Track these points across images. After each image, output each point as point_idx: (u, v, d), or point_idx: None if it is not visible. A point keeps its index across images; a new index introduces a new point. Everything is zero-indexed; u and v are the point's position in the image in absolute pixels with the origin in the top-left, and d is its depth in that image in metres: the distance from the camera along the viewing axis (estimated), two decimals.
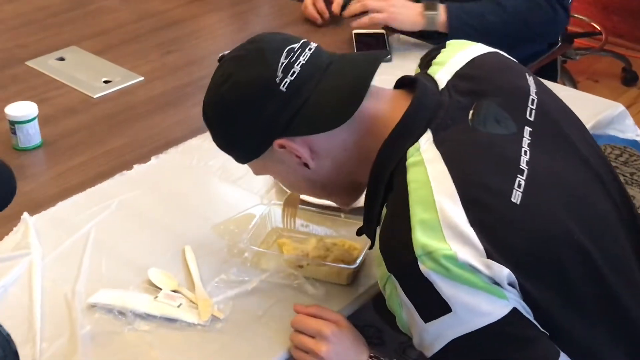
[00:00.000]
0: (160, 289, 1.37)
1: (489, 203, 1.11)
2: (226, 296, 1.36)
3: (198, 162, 1.73)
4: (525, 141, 1.20)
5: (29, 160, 1.76)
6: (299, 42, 1.25)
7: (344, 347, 1.29)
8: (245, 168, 1.67)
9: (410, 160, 1.17)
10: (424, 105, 1.21)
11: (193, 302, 1.34)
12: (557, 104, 1.33)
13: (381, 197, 1.21)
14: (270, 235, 1.51)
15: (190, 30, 2.34)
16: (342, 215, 1.53)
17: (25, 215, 1.54)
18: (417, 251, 1.07)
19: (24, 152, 1.77)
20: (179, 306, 1.33)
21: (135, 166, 1.70)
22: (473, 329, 1.09)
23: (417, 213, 1.10)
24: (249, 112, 1.22)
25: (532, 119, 1.24)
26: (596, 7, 4.12)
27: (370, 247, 1.30)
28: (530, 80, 1.31)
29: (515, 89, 1.28)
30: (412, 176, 1.15)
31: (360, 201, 1.33)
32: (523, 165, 1.16)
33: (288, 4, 2.49)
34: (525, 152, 1.18)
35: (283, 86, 1.20)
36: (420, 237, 1.08)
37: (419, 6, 2.09)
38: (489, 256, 1.07)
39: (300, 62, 1.21)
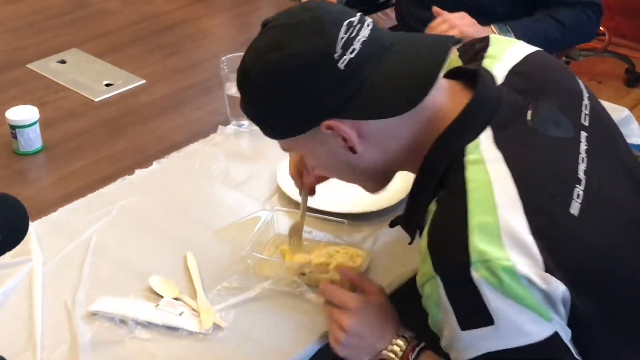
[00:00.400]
0: (162, 297, 1.35)
1: (550, 213, 1.07)
2: (228, 304, 1.35)
3: (200, 166, 1.71)
4: (583, 147, 1.16)
5: (30, 164, 1.75)
6: (356, 16, 1.15)
7: (367, 321, 1.26)
8: (248, 173, 1.69)
9: (470, 157, 1.11)
10: (486, 101, 1.15)
11: (195, 310, 1.33)
12: (604, 111, 1.29)
13: (431, 192, 1.14)
14: (273, 242, 1.49)
15: (191, 32, 2.33)
16: (346, 221, 1.51)
17: None
18: (473, 257, 1.02)
19: (24, 157, 1.76)
20: (180, 314, 1.31)
21: (137, 171, 1.69)
22: (510, 347, 1.04)
23: (476, 215, 1.05)
24: (300, 88, 1.12)
25: (586, 124, 1.19)
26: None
27: (410, 243, 1.25)
28: (581, 83, 1.27)
29: (570, 91, 1.24)
30: (472, 175, 1.09)
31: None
32: (581, 174, 1.12)
33: (289, 5, 2.48)
34: (583, 159, 1.14)
35: (342, 63, 1.10)
36: (478, 242, 1.02)
37: (490, 29, 2.08)
38: (547, 269, 1.02)
39: (360, 38, 1.11)
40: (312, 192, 1.47)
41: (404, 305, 1.32)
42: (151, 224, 1.55)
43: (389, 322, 1.28)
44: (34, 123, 1.76)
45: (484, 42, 1.31)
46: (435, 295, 1.08)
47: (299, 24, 1.14)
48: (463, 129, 1.14)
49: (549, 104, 1.18)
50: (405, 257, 1.46)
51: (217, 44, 2.25)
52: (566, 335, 1.07)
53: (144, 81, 2.06)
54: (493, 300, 1.03)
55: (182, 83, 2.06)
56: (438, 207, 1.12)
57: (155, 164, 1.72)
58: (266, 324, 1.32)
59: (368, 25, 1.14)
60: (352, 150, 1.16)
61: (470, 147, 1.12)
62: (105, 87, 2.04)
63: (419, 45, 1.18)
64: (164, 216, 1.57)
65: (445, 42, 1.16)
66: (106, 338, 1.29)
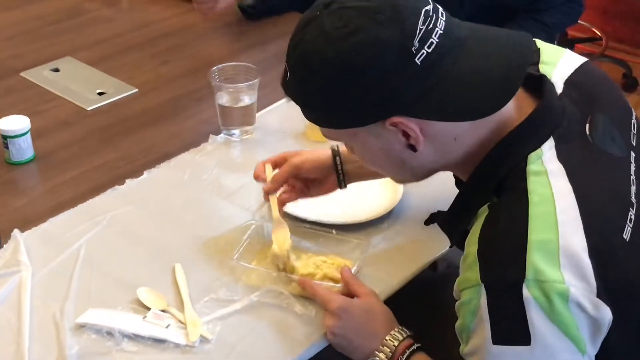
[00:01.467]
0: (149, 309, 1.36)
1: (608, 235, 1.04)
2: (215, 316, 1.35)
3: (190, 177, 1.72)
4: (632, 168, 1.13)
5: (21, 174, 1.76)
6: (431, 3, 1.07)
7: (352, 323, 1.26)
8: (238, 183, 1.69)
9: (532, 167, 1.07)
10: (552, 110, 1.11)
11: (182, 323, 1.33)
12: None
13: (484, 197, 1.10)
14: (262, 252, 1.50)
15: (184, 41, 2.33)
16: (334, 231, 1.52)
17: (16, 232, 1.53)
18: (529, 274, 0.99)
19: (16, 166, 1.77)
20: (167, 327, 1.32)
21: (128, 181, 1.70)
22: None
23: (537, 230, 1.01)
24: (372, 80, 1.04)
25: (634, 143, 1.17)
26: (597, 12, 4.11)
27: (451, 246, 1.22)
28: (627, 101, 1.24)
29: (621, 107, 1.21)
30: (534, 187, 1.05)
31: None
32: (633, 197, 1.09)
33: (285, 13, 2.48)
34: (633, 181, 1.12)
35: (418, 58, 1.03)
36: (536, 260, 0.99)
37: None
38: (598, 294, 1.01)
39: (437, 31, 1.04)
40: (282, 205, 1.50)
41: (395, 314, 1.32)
42: (141, 234, 1.55)
43: (378, 322, 1.27)
44: (26, 133, 1.76)
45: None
46: (474, 303, 1.05)
47: (376, 9, 1.05)
48: (527, 137, 1.09)
49: (605, 118, 1.15)
50: (394, 269, 1.47)
51: (209, 53, 2.25)
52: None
53: (136, 90, 2.07)
54: (537, 321, 1.00)
55: (175, 92, 2.06)
56: (493, 214, 1.08)
57: (145, 174, 1.72)
58: (253, 336, 1.32)
59: (442, 15, 1.07)
60: (412, 148, 1.12)
61: (532, 156, 1.08)
62: (98, 96, 2.04)
63: (497, 43, 1.11)
64: (154, 227, 1.58)
65: (527, 43, 1.11)
66: (93, 350, 1.29)
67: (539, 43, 1.25)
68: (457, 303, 1.10)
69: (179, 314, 1.34)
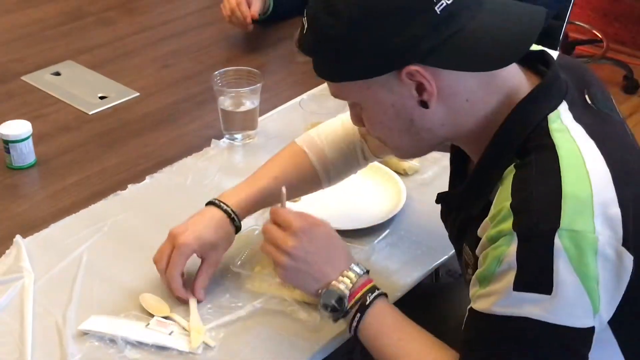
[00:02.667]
0: (152, 315, 1.35)
1: (633, 187, 1.08)
2: (218, 323, 1.35)
3: (192, 181, 1.71)
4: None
5: (23, 179, 1.75)
6: None
7: (314, 245, 1.25)
8: None
9: (553, 125, 1.10)
10: (560, 77, 1.16)
11: (185, 329, 1.33)
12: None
13: (508, 160, 1.12)
14: (265, 258, 1.48)
15: (186, 45, 2.33)
16: None
17: (18, 237, 1.53)
18: (564, 223, 1.02)
19: (17, 171, 1.76)
20: (170, 334, 1.31)
21: (130, 186, 1.69)
22: (550, 321, 1.04)
23: (570, 182, 1.04)
24: (393, 26, 1.07)
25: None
26: (597, 14, 4.11)
27: (476, 216, 1.17)
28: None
29: (603, 86, 1.25)
30: (560, 142, 1.08)
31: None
32: None
33: (284, 18, 2.47)
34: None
35: (439, 7, 1.06)
36: (571, 210, 1.02)
37: None
38: (624, 243, 1.04)
39: None
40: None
41: None
42: (143, 240, 1.54)
43: (338, 250, 1.27)
44: (27, 138, 1.76)
45: None
46: (502, 250, 1.06)
47: None
48: (543, 100, 1.13)
49: (596, 92, 1.20)
50: (397, 275, 1.46)
51: (211, 57, 2.24)
52: (600, 327, 1.08)
53: (137, 94, 2.06)
54: (563, 271, 1.02)
55: (176, 96, 2.06)
56: (523, 171, 1.09)
57: (147, 179, 1.72)
58: (256, 343, 1.32)
59: None
60: (424, 104, 1.13)
61: (551, 116, 1.11)
62: (99, 100, 2.04)
63: (513, 9, 1.15)
64: (156, 232, 1.56)
65: (540, 12, 1.15)
66: (96, 357, 1.29)
67: None
68: (483, 252, 1.11)
69: (182, 321, 1.34)
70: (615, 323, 1.12)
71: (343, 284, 1.24)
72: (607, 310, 1.08)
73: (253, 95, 1.83)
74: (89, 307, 1.38)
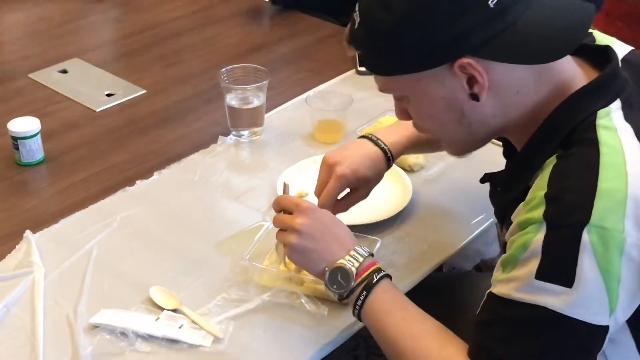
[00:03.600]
0: (162, 308, 1.37)
1: None
2: (227, 316, 1.36)
3: (200, 178, 1.73)
4: None
5: (32, 175, 1.76)
6: None
7: (321, 222, 1.29)
8: (248, 184, 1.70)
9: (601, 122, 1.10)
10: (618, 75, 1.16)
11: (194, 323, 1.34)
12: None
13: (551, 150, 1.12)
14: (273, 253, 1.50)
15: (193, 42, 2.34)
16: None
17: (28, 233, 1.54)
18: (594, 219, 1.02)
19: (26, 168, 1.77)
20: (180, 327, 1.32)
21: (138, 182, 1.70)
22: (567, 314, 1.05)
23: (607, 178, 1.04)
24: (447, 17, 1.09)
25: None
26: (600, 14, 4.11)
27: (514, 199, 1.18)
28: None
29: None
30: (605, 139, 1.08)
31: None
32: None
33: (291, 15, 2.49)
34: None
35: (492, 1, 1.08)
36: (603, 206, 1.03)
37: None
38: None
39: None
40: (335, 213, 1.47)
41: None
42: (152, 235, 1.56)
43: (344, 231, 1.30)
44: (36, 134, 1.77)
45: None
46: (530, 237, 1.07)
47: None
48: (596, 95, 1.13)
49: None
50: (404, 270, 1.48)
51: (218, 54, 2.26)
52: (614, 327, 1.08)
53: (144, 91, 2.07)
54: (586, 266, 1.03)
55: (183, 93, 2.07)
56: (563, 161, 1.10)
57: (156, 175, 1.73)
58: (266, 336, 1.33)
59: None
60: (474, 97, 1.14)
61: (601, 112, 1.11)
62: (107, 97, 2.05)
63: (563, 4, 1.17)
64: (165, 227, 1.58)
65: (590, 7, 1.16)
66: (107, 351, 1.30)
67: (590, 30, 1.30)
68: (511, 237, 1.12)
69: (192, 313, 1.35)
70: (634, 325, 1.13)
71: (350, 263, 1.26)
72: (624, 311, 1.08)
73: (260, 92, 1.84)
74: (100, 301, 1.39)
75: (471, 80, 1.13)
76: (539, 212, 1.07)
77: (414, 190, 1.65)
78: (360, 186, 1.49)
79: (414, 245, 1.54)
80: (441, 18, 1.09)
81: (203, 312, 1.37)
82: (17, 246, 1.51)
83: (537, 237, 1.06)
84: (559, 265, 1.05)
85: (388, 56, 1.15)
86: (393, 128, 1.55)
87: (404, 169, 1.72)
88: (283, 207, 1.34)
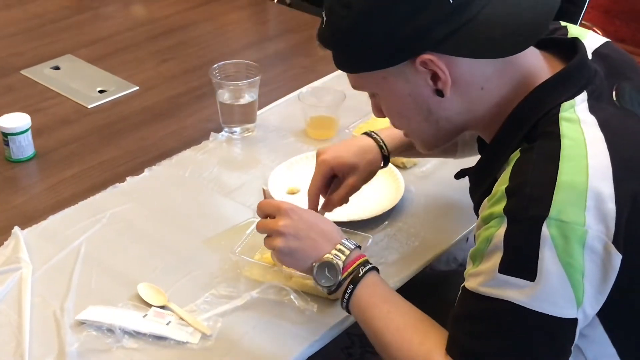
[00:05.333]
0: (150, 305, 1.35)
1: (635, 187, 1.06)
2: (216, 312, 1.35)
3: (191, 174, 1.71)
4: None
5: (22, 172, 1.75)
6: None
7: (304, 220, 1.28)
8: (239, 181, 1.69)
9: (565, 114, 1.10)
10: (585, 66, 1.15)
11: (182, 319, 1.33)
12: None
13: (516, 143, 1.13)
14: (264, 247, 1.48)
15: (185, 39, 2.33)
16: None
17: (16, 229, 1.53)
18: (553, 212, 1.02)
19: (17, 164, 1.76)
20: (168, 324, 1.31)
21: (128, 178, 1.69)
22: (531, 308, 1.05)
23: (567, 171, 1.04)
24: (406, 15, 1.09)
25: None
26: (598, 11, 4.11)
27: (482, 195, 1.18)
28: None
29: None
30: (567, 131, 1.08)
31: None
32: None
33: (284, 11, 2.48)
34: None
35: None
36: (563, 200, 1.02)
37: None
38: (614, 241, 1.04)
39: None
40: (331, 208, 1.49)
41: None
42: (141, 231, 1.55)
43: (329, 226, 1.30)
44: (26, 130, 1.76)
45: (558, 25, 1.29)
46: (492, 231, 1.07)
47: None
48: (561, 87, 1.13)
49: (630, 87, 1.18)
50: (396, 266, 1.47)
51: (210, 51, 2.25)
52: (584, 320, 1.08)
53: (137, 88, 2.06)
54: (548, 260, 1.03)
55: (175, 90, 2.06)
56: (524, 155, 1.10)
57: (146, 172, 1.72)
58: (255, 333, 1.32)
59: None
60: (439, 93, 1.15)
61: (565, 105, 1.11)
62: (99, 94, 2.04)
63: None
64: (155, 224, 1.57)
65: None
66: (93, 347, 1.29)
67: (564, 23, 1.30)
68: (477, 232, 1.13)
69: (179, 310, 1.34)
70: (605, 319, 1.12)
71: (336, 257, 1.26)
72: (592, 304, 1.08)
73: (252, 89, 1.83)
74: (87, 297, 1.38)
75: (435, 77, 1.13)
76: (500, 207, 1.07)
77: (406, 187, 1.64)
78: (347, 173, 1.48)
79: (405, 242, 1.53)
80: (400, 14, 1.09)
81: (191, 309, 1.36)
82: (5, 242, 1.50)
83: (499, 231, 1.06)
84: (520, 259, 1.05)
85: (352, 53, 1.16)
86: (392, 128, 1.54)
87: (397, 166, 1.71)
88: (265, 212, 1.33)
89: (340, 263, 1.25)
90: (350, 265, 1.26)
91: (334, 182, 1.50)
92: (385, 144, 1.51)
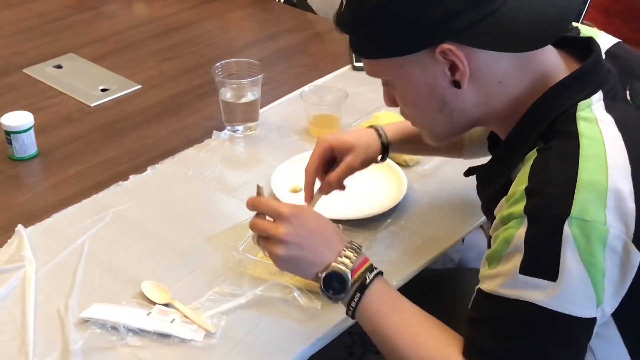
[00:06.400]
0: (154, 303, 1.36)
1: None
2: (219, 310, 1.35)
3: (194, 172, 1.72)
4: None
5: (25, 170, 1.75)
6: None
7: (306, 227, 1.22)
8: (242, 179, 1.69)
9: (582, 113, 1.09)
10: (601, 66, 1.15)
11: (186, 317, 1.33)
12: None
13: (532, 142, 1.12)
14: None
15: (187, 37, 2.33)
16: (340, 226, 1.51)
17: (20, 227, 1.53)
18: (574, 211, 1.01)
19: (19, 162, 1.76)
20: (172, 321, 1.31)
21: (131, 177, 1.70)
22: (552, 308, 1.04)
23: (587, 170, 1.03)
24: (426, 1, 1.08)
25: None
26: (598, 10, 4.10)
27: (495, 195, 1.18)
28: None
29: None
30: (585, 130, 1.07)
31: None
32: None
33: (286, 10, 2.49)
34: None
35: None
36: (584, 199, 1.02)
37: None
38: (634, 240, 1.03)
39: None
40: (328, 190, 1.47)
41: None
42: (145, 230, 1.55)
43: (331, 231, 1.24)
44: (29, 129, 1.76)
45: (571, 26, 1.28)
46: (512, 232, 1.06)
47: None
48: (577, 86, 1.12)
49: None
50: (399, 265, 1.47)
51: (213, 50, 2.25)
52: (601, 319, 1.08)
53: (139, 86, 2.07)
54: (570, 259, 1.02)
55: (178, 88, 2.06)
56: (543, 155, 1.09)
57: (149, 170, 1.72)
58: (258, 330, 1.32)
59: None
60: (456, 84, 1.13)
61: (582, 104, 1.10)
62: (101, 92, 2.04)
63: None
64: (158, 222, 1.57)
65: None
66: (97, 345, 1.29)
67: (575, 24, 1.29)
68: (495, 233, 1.11)
69: (183, 308, 1.34)
70: (619, 318, 1.12)
71: (343, 264, 1.20)
72: (611, 303, 1.08)
73: (254, 87, 1.83)
74: (91, 295, 1.38)
75: (453, 67, 1.12)
76: (520, 207, 1.06)
77: (408, 185, 1.65)
78: (345, 153, 1.48)
79: (408, 240, 1.53)
80: (422, 1, 1.08)
81: (195, 307, 1.36)
82: (8, 240, 1.50)
83: (519, 231, 1.05)
84: (542, 259, 1.04)
85: (371, 39, 1.15)
86: (397, 122, 1.56)
87: (399, 164, 1.71)
88: (261, 212, 1.26)
89: (349, 272, 1.20)
90: (357, 271, 1.21)
91: (331, 168, 1.49)
92: (385, 134, 1.52)
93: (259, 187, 1.32)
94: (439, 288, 1.65)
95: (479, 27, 1.08)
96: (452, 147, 1.53)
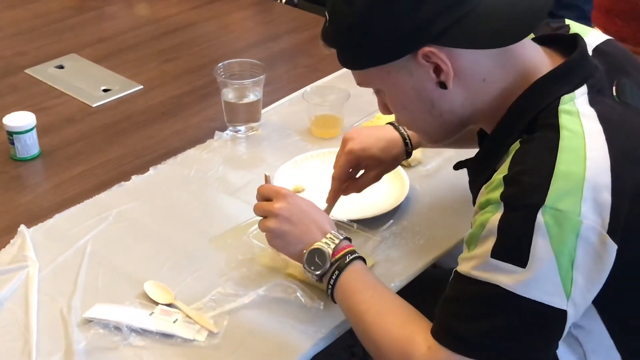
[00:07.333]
0: (157, 303, 1.36)
1: (634, 180, 1.08)
2: (222, 310, 1.35)
3: (196, 173, 1.72)
4: None
5: (27, 170, 1.76)
6: None
7: (298, 206, 1.33)
8: (244, 179, 1.69)
9: (564, 107, 1.11)
10: (586, 61, 1.17)
11: (189, 317, 1.33)
12: None
13: (516, 135, 1.14)
14: None
15: (189, 38, 2.34)
16: (355, 226, 1.52)
17: (22, 227, 1.53)
18: (549, 200, 1.03)
19: (22, 163, 1.77)
20: (175, 322, 1.32)
21: (134, 177, 1.70)
22: (519, 293, 1.06)
23: (565, 162, 1.05)
24: (407, 7, 1.10)
25: None
26: (599, 11, 4.10)
27: (477, 188, 1.19)
28: None
29: None
30: (566, 123, 1.09)
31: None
32: None
33: (288, 11, 2.49)
34: None
35: None
36: (559, 188, 1.03)
37: None
38: (609, 231, 1.05)
39: None
40: (347, 193, 1.53)
41: None
42: (147, 230, 1.55)
43: (321, 215, 1.34)
44: (31, 129, 1.76)
45: (561, 24, 1.31)
46: (488, 217, 1.08)
47: None
48: (561, 80, 1.14)
49: (630, 83, 1.20)
50: (401, 264, 1.47)
51: (214, 50, 2.25)
52: (575, 314, 1.09)
53: (141, 87, 2.07)
54: (540, 248, 1.04)
55: (180, 89, 2.07)
56: (524, 146, 1.11)
57: (151, 170, 1.72)
58: (261, 330, 1.32)
59: None
60: (442, 85, 1.16)
61: (565, 98, 1.12)
62: (103, 93, 2.04)
63: None
64: (160, 222, 1.58)
65: None
66: (100, 345, 1.29)
67: (567, 21, 1.32)
68: (474, 217, 1.14)
69: (186, 308, 1.35)
70: (603, 310, 1.13)
71: (326, 244, 1.29)
72: (584, 294, 1.08)
73: (256, 87, 1.83)
74: (94, 295, 1.39)
75: (437, 69, 1.15)
76: (497, 193, 1.08)
77: (411, 185, 1.65)
78: (372, 166, 1.52)
79: (410, 240, 1.53)
80: (401, 9, 1.11)
81: (198, 307, 1.36)
82: (11, 241, 1.51)
83: (495, 216, 1.07)
84: (513, 245, 1.06)
85: (355, 50, 1.18)
86: None
87: (402, 164, 1.71)
88: (264, 196, 1.37)
89: (330, 250, 1.28)
90: (338, 253, 1.29)
91: (352, 172, 1.54)
92: (409, 138, 1.54)
93: (266, 177, 1.43)
94: (440, 288, 1.64)
95: (456, 28, 1.11)
96: (462, 139, 1.54)
